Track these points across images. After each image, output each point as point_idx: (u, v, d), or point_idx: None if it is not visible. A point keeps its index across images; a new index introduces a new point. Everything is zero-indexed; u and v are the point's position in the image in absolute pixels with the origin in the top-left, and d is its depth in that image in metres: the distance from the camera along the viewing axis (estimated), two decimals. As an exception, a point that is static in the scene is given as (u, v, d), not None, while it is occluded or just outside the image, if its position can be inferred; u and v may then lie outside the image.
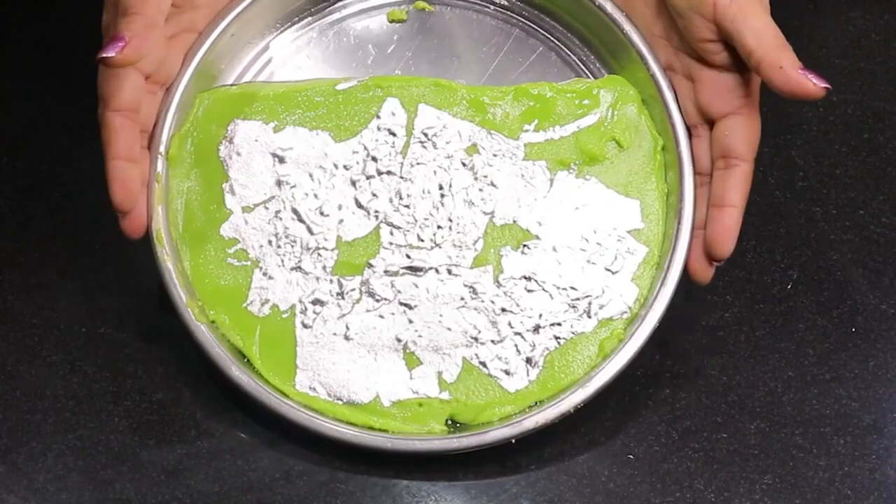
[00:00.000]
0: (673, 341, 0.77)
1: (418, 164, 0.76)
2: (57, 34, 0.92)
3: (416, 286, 0.74)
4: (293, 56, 0.80)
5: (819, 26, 0.95)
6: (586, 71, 0.80)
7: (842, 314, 0.79)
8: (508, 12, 0.81)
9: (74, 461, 0.71)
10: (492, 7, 0.81)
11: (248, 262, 0.75)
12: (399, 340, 0.73)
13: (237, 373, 0.71)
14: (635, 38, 0.76)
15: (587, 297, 0.74)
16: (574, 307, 0.74)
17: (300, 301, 0.74)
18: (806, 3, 0.97)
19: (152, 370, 0.75)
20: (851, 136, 0.89)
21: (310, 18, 0.81)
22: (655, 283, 0.74)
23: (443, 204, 0.75)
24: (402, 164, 0.76)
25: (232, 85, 0.79)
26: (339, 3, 0.80)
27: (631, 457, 0.73)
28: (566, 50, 0.80)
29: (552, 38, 0.80)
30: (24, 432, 0.72)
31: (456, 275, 0.74)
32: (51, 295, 0.78)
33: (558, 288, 0.74)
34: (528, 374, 0.73)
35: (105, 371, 0.75)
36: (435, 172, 0.76)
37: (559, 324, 0.73)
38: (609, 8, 0.77)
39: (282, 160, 0.76)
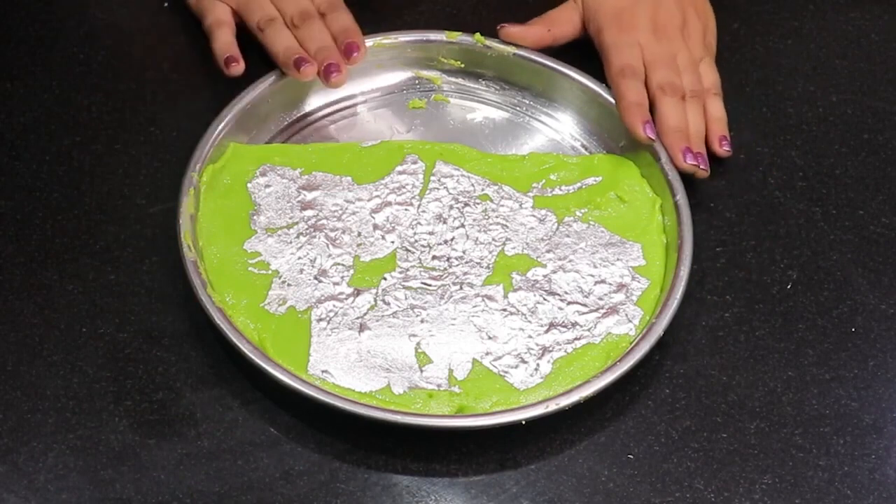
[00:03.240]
0: (673, 341, 0.77)
1: (435, 200, 0.82)
2: (57, 34, 0.92)
3: (429, 294, 0.77)
4: (322, 127, 0.87)
5: (819, 26, 0.95)
6: (589, 154, 0.87)
7: (841, 314, 0.79)
8: (517, 107, 0.88)
9: (75, 461, 0.71)
10: (504, 102, 0.88)
11: (269, 272, 0.78)
12: (412, 337, 0.75)
13: (250, 351, 0.72)
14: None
15: (595, 312, 0.77)
16: (583, 323, 0.76)
17: (317, 301, 0.76)
18: (806, 3, 0.97)
19: (152, 370, 0.75)
20: (851, 136, 0.89)
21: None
22: (658, 306, 0.76)
23: (457, 234, 0.80)
24: (420, 200, 0.82)
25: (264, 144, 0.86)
26: (368, 92, 0.88)
27: (631, 457, 0.73)
28: (570, 137, 0.87)
29: (557, 130, 0.87)
30: (24, 432, 0.72)
31: (470, 285, 0.78)
32: (51, 295, 0.78)
33: (568, 302, 0.77)
34: (536, 373, 0.74)
35: (105, 371, 0.75)
36: (451, 207, 0.81)
37: (569, 332, 0.76)
38: (608, 97, 0.85)
39: (308, 189, 0.82)
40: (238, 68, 0.85)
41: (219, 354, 0.75)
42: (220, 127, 0.82)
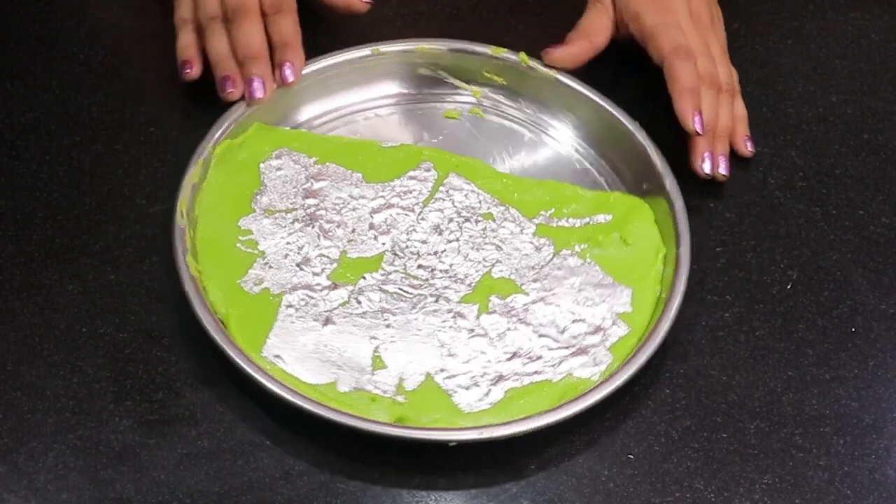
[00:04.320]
0: (673, 341, 0.77)
1: (437, 210, 0.81)
2: (57, 34, 0.92)
3: (403, 301, 0.77)
4: (352, 122, 0.86)
5: (819, 26, 0.95)
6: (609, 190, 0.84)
7: (841, 314, 0.79)
8: (548, 132, 0.86)
9: (75, 461, 0.71)
10: (537, 125, 0.87)
11: (255, 251, 0.78)
12: (373, 339, 0.75)
13: (212, 329, 0.73)
14: (658, 165, 0.81)
15: (563, 349, 0.75)
16: (548, 359, 0.75)
17: (292, 287, 0.77)
18: (806, 3, 0.97)
19: (152, 370, 0.75)
20: (851, 136, 0.89)
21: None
22: (630, 355, 0.74)
23: (449, 248, 0.79)
24: (422, 208, 0.81)
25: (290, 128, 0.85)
26: (405, 94, 0.88)
27: (631, 457, 0.73)
28: (595, 171, 0.85)
29: (585, 160, 0.85)
30: (24, 432, 0.72)
31: (446, 300, 0.77)
32: (51, 295, 0.78)
33: (538, 335, 0.76)
34: (485, 399, 0.73)
35: (105, 371, 0.75)
36: (450, 220, 0.81)
37: (530, 365, 0.75)
38: (640, 137, 0.82)
39: (316, 179, 0.82)
40: (191, 74, 0.84)
41: (219, 354, 0.75)
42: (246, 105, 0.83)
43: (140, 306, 0.77)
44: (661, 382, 0.76)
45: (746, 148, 0.85)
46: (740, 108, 0.86)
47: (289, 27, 0.82)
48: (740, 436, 0.74)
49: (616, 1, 0.88)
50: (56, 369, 0.75)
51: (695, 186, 0.83)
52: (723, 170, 0.83)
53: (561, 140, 0.86)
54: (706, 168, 0.82)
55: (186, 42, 0.85)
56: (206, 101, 0.86)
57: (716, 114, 0.83)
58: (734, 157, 0.85)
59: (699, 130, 0.81)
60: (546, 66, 0.86)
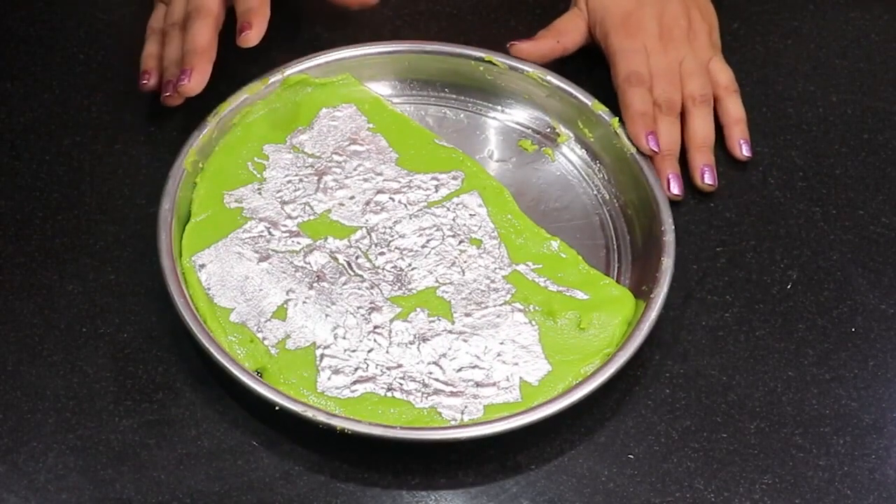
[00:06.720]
0: (673, 341, 0.77)
1: (433, 216, 0.80)
2: (57, 34, 0.92)
3: (342, 274, 0.77)
4: (439, 109, 0.87)
5: (819, 26, 0.95)
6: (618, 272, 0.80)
7: (841, 314, 0.79)
8: (605, 203, 0.83)
9: (75, 461, 0.71)
10: (599, 192, 0.83)
11: (258, 176, 0.81)
12: (289, 293, 0.76)
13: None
14: (660, 273, 0.76)
15: (444, 385, 0.74)
16: (426, 384, 0.73)
17: (259, 218, 0.79)
18: (806, 3, 0.97)
19: (152, 370, 0.75)
20: (851, 136, 0.89)
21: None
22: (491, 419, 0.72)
23: (417, 252, 0.78)
24: (422, 208, 0.80)
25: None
26: (501, 111, 0.87)
27: (631, 457, 0.73)
28: (614, 244, 0.81)
29: (623, 244, 0.81)
30: (24, 432, 0.72)
31: (378, 291, 0.77)
32: (51, 295, 0.78)
33: (432, 362, 0.74)
34: (344, 390, 0.73)
35: (105, 371, 0.75)
36: (438, 229, 0.79)
37: (406, 383, 0.73)
38: (666, 240, 0.78)
39: (356, 142, 0.83)
40: (147, 85, 0.85)
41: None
42: (339, 56, 0.85)
43: (140, 306, 0.77)
44: (661, 382, 0.76)
45: (741, 152, 0.85)
46: (736, 110, 0.86)
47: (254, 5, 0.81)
48: (740, 436, 0.74)
49: (591, 13, 0.88)
50: (56, 369, 0.75)
51: (694, 186, 0.83)
52: (708, 180, 0.83)
53: (613, 216, 0.82)
54: (674, 188, 0.81)
55: (149, 52, 0.86)
56: (207, 101, 0.86)
57: (675, 139, 0.83)
58: (733, 156, 0.85)
59: (655, 149, 0.81)
60: (630, 139, 0.82)
